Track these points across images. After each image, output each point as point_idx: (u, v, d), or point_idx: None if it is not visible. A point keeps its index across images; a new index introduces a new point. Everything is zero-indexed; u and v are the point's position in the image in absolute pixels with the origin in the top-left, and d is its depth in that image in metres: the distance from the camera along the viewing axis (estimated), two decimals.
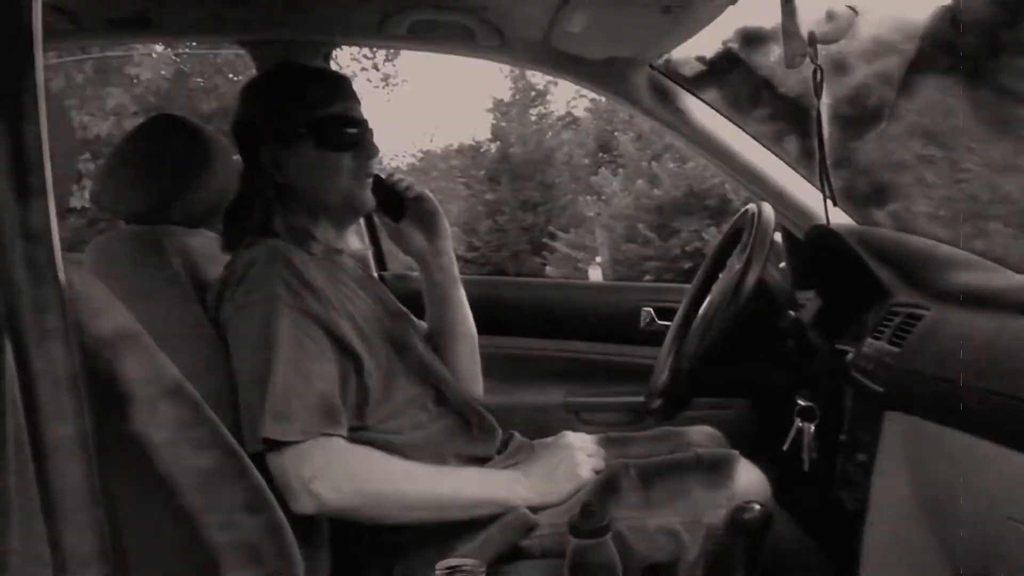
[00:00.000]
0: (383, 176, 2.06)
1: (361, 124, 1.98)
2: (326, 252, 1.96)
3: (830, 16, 1.94)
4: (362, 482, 1.73)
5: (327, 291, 1.83)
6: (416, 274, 2.22)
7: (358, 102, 2.00)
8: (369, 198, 2.03)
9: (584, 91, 18.32)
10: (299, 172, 1.94)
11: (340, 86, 2.00)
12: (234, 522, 1.14)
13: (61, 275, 0.86)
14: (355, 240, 2.29)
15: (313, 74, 2.03)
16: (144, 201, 1.97)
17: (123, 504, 0.97)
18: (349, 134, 1.96)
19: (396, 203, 2.10)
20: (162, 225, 1.98)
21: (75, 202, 13.12)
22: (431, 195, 2.15)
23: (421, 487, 1.80)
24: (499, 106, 24.41)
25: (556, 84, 24.19)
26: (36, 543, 0.82)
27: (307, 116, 1.92)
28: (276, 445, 1.66)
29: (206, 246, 2.04)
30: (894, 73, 15.01)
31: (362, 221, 2.76)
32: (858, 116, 14.68)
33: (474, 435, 2.03)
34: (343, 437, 1.74)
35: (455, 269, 2.20)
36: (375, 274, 2.23)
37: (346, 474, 1.71)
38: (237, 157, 2.03)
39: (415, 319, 2.20)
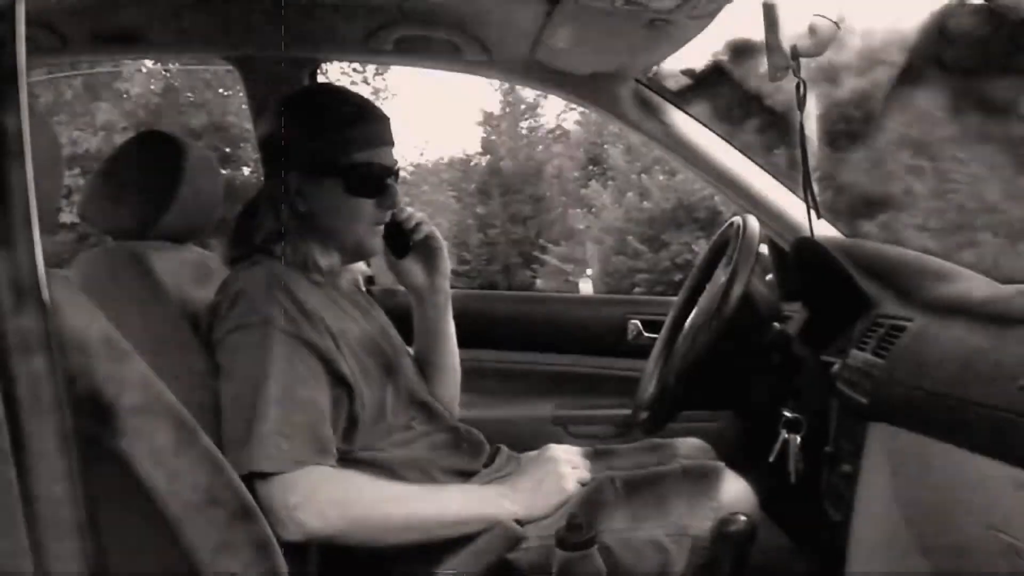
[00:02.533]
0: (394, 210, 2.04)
1: (391, 172, 1.96)
2: (326, 278, 1.95)
3: (812, 30, 1.95)
4: (347, 508, 1.72)
5: (325, 318, 1.83)
6: (403, 289, 2.21)
7: (392, 146, 1.98)
8: (379, 245, 2.03)
9: (574, 104, 18.37)
10: (321, 207, 1.92)
11: (380, 129, 1.97)
12: (220, 537, 1.14)
13: (44, 291, 0.87)
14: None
15: (358, 110, 1.97)
16: (131, 217, 1.97)
17: (107, 515, 0.97)
18: (378, 183, 1.94)
19: (403, 241, 2.09)
20: (148, 241, 1.98)
21: (65, 218, 13.10)
22: (437, 233, 2.14)
23: (407, 509, 1.79)
24: (489, 119, 24.51)
25: (546, 97, 24.36)
26: (19, 547, 0.83)
27: (343, 158, 1.90)
28: (264, 474, 1.65)
29: (193, 262, 2.04)
30: (882, 85, 15.07)
31: None
32: (847, 128, 14.74)
33: (462, 449, 2.03)
34: (331, 465, 1.74)
35: (449, 307, 2.21)
36: (363, 288, 2.23)
37: (331, 501, 1.70)
38: (225, 172, 2.03)
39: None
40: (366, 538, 1.75)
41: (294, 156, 1.91)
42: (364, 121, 1.95)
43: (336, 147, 1.90)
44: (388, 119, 2.00)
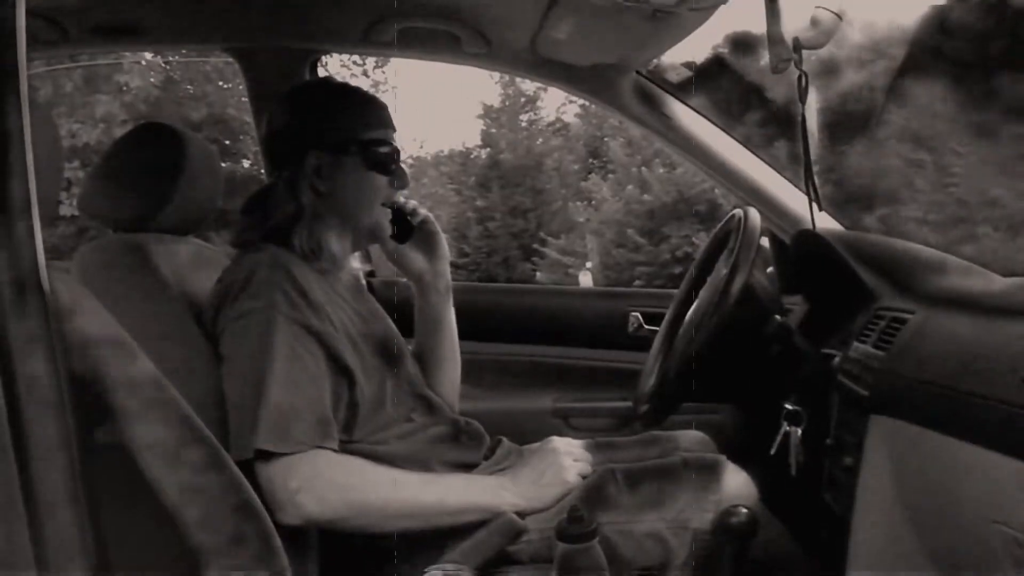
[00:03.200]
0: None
1: (398, 154, 2.03)
2: (330, 268, 1.96)
3: (814, 22, 1.94)
4: (348, 493, 1.73)
5: (326, 306, 1.84)
6: (403, 280, 2.22)
7: (396, 131, 2.05)
8: (388, 226, 2.06)
9: (574, 97, 18.31)
10: (342, 185, 1.96)
11: (386, 113, 2.05)
12: (220, 528, 1.14)
13: (45, 283, 0.87)
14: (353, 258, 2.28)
15: (365, 95, 2.06)
16: (131, 209, 1.97)
17: (108, 506, 0.97)
18: (392, 160, 2.00)
19: (404, 225, 2.11)
20: (149, 233, 1.98)
21: (65, 210, 13.10)
22: (433, 218, 2.17)
23: (407, 495, 1.80)
24: (489, 112, 24.47)
25: (546, 90, 24.33)
26: (20, 542, 0.83)
27: (361, 133, 1.97)
28: (266, 456, 1.66)
29: (193, 254, 2.04)
30: (883, 78, 15.05)
31: None
32: (848, 121, 14.73)
33: (461, 442, 2.04)
34: (332, 449, 1.74)
35: (451, 293, 2.23)
36: (364, 282, 2.24)
37: (332, 485, 1.71)
38: (225, 164, 2.04)
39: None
40: (365, 524, 1.76)
41: (313, 137, 1.96)
42: (373, 104, 2.03)
43: (355, 125, 1.97)
44: (387, 106, 2.06)
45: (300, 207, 1.93)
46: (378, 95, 2.09)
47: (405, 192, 2.08)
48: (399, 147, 2.03)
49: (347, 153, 1.95)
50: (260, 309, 1.76)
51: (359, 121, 1.98)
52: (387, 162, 1.99)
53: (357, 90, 2.07)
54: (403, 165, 2.04)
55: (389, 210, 2.04)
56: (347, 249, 2.02)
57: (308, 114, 1.98)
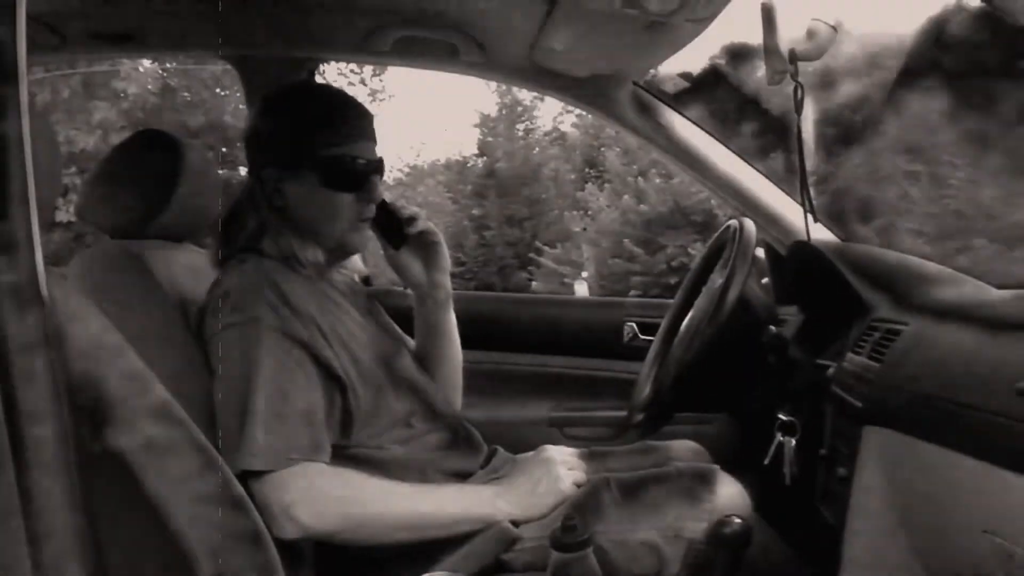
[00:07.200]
0: (387, 200, 2.02)
1: (371, 167, 1.95)
2: (315, 271, 1.94)
3: (811, 34, 1.95)
4: (343, 506, 1.73)
5: (315, 313, 1.82)
6: (403, 289, 2.21)
7: (374, 142, 1.97)
8: (363, 242, 2.01)
9: (571, 107, 18.30)
10: (297, 203, 1.92)
11: (359, 124, 1.96)
12: (216, 534, 1.14)
13: (43, 289, 0.87)
14: (356, 260, 2.25)
15: (335, 105, 1.97)
16: (128, 216, 1.97)
17: (104, 512, 0.97)
18: (356, 177, 1.93)
19: (397, 231, 2.07)
20: (146, 240, 1.98)
21: (61, 216, 13.07)
22: (435, 228, 2.12)
23: (402, 507, 1.80)
24: (486, 121, 24.46)
25: (542, 100, 24.26)
26: (17, 547, 0.83)
27: (317, 151, 1.89)
28: (257, 473, 1.66)
29: (190, 261, 2.04)
30: (880, 90, 15.06)
31: None
32: (844, 132, 14.73)
33: (460, 450, 2.04)
34: (324, 462, 1.74)
35: (450, 303, 2.19)
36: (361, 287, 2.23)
37: (327, 499, 1.70)
38: (222, 172, 2.03)
39: (404, 335, 2.21)
40: (362, 536, 1.76)
41: (271, 151, 1.93)
42: (342, 115, 1.94)
43: (312, 140, 1.89)
44: (370, 115, 2.00)
45: (261, 223, 1.92)
46: (358, 101, 2.03)
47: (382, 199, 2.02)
48: (375, 159, 1.96)
49: (303, 171, 1.90)
50: (243, 322, 1.76)
51: (321, 137, 1.89)
52: (351, 179, 1.92)
53: (326, 97, 2.01)
54: (375, 179, 1.96)
55: (364, 225, 1.99)
56: (320, 254, 1.96)
57: (269, 126, 1.94)
